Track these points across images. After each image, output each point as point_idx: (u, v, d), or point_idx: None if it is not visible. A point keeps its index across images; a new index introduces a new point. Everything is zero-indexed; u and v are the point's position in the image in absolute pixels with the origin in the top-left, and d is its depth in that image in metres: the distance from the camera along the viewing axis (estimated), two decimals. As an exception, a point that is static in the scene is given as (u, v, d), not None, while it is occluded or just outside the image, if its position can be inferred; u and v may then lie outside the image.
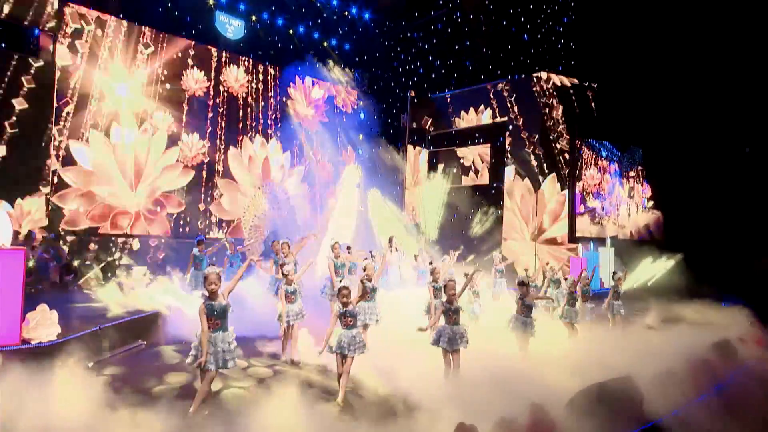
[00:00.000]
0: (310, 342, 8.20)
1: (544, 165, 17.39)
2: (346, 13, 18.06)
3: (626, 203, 19.76)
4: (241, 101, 16.42)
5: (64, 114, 13.01)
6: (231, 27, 16.03)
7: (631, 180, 20.58)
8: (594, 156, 19.03)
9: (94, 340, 7.73)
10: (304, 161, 17.52)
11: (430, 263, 9.80)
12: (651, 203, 20.52)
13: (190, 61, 15.34)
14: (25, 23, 12.18)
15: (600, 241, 17.94)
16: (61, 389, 5.72)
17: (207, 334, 5.63)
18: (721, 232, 17.29)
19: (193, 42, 15.28)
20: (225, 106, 16.26)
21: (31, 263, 9.99)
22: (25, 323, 6.87)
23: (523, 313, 8.18)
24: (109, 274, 11.09)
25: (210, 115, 15.73)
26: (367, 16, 18.50)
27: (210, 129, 15.83)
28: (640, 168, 20.45)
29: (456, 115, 19.93)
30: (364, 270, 8.23)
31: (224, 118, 16.18)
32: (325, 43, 18.27)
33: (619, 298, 10.82)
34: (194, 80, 15.50)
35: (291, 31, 17.33)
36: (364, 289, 7.90)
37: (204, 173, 15.73)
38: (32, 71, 12.33)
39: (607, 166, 19.46)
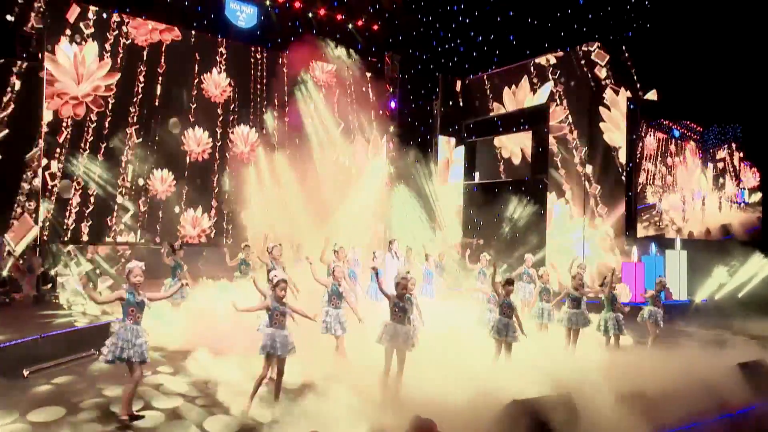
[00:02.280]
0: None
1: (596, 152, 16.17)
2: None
3: (703, 194, 17.97)
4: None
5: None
6: (243, 15, 16.34)
7: (721, 164, 18.72)
8: (667, 139, 17.50)
9: (39, 348, 8.12)
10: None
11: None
12: (753, 196, 18.42)
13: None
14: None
15: (664, 241, 16.38)
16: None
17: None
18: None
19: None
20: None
21: (4, 273, 10.72)
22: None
23: (505, 314, 8.13)
24: (91, 284, 11.67)
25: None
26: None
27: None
28: (734, 152, 18.49)
29: (495, 99, 19.07)
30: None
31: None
32: (350, 25, 18.03)
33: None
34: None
35: (310, 14, 17.24)
36: None
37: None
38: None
39: (681, 149, 17.83)
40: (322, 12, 17.68)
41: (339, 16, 18.04)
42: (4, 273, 11.03)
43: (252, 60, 17.18)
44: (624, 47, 16.66)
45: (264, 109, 17.19)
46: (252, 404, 6.50)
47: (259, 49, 17.16)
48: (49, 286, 11.71)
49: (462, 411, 5.94)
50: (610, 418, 6.24)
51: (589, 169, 16.55)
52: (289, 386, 7.13)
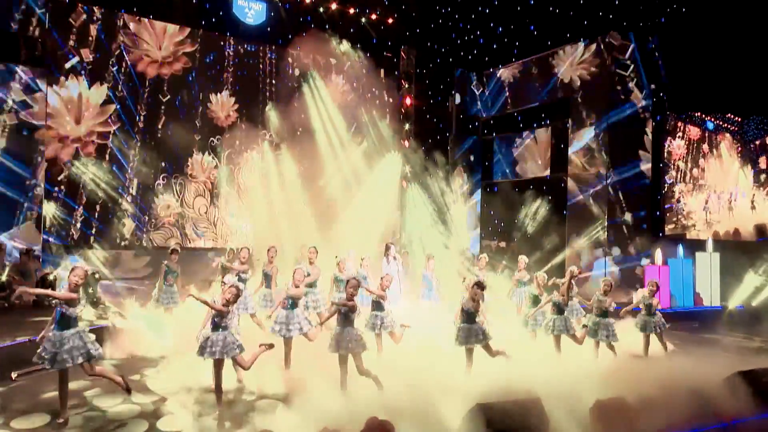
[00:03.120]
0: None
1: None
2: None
3: (740, 191, 17.31)
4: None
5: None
6: (251, 12, 16.54)
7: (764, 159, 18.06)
8: (700, 132, 16.94)
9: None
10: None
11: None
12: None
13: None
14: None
15: (693, 243, 15.84)
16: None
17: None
18: None
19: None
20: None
21: (3, 277, 11.16)
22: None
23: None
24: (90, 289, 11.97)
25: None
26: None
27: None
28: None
29: (513, 93, 18.80)
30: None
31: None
32: (364, 19, 18.03)
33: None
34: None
35: (321, 9, 17.32)
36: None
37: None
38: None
39: (716, 144, 17.22)
40: (333, 6, 17.73)
41: (351, 10, 18.04)
42: (3, 277, 11.46)
43: (259, 57, 17.37)
44: (650, 36, 16.14)
45: (268, 107, 17.42)
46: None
47: (266, 47, 17.34)
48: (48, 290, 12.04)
49: (424, 414, 5.99)
50: (581, 423, 6.21)
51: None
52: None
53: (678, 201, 17.13)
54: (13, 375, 8.16)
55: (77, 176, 14.57)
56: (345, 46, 17.93)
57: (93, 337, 6.67)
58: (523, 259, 12.33)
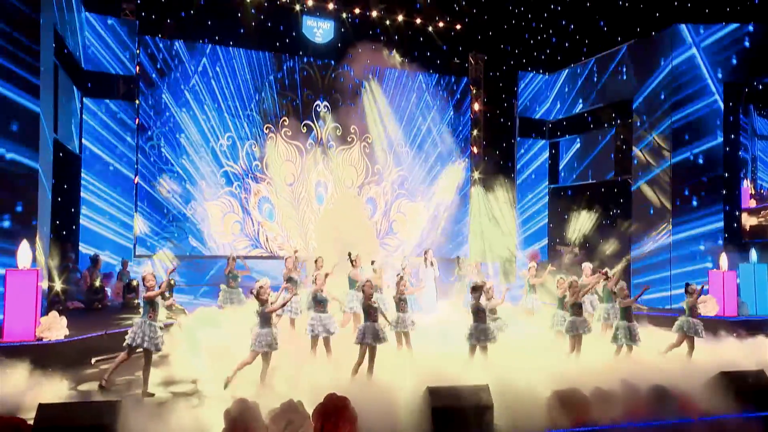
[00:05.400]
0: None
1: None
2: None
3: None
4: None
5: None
6: (319, 30, 18.70)
7: None
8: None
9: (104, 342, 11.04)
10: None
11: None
12: None
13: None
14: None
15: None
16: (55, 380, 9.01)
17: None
18: None
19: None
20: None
21: (97, 283, 14.14)
22: (38, 325, 10.41)
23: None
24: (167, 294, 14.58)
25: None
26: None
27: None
28: None
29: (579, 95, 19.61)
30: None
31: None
32: (431, 28, 19.65)
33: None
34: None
35: (388, 22, 19.17)
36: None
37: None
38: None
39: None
40: (399, 18, 19.51)
41: (418, 20, 19.73)
42: (97, 283, 14.51)
43: (324, 72, 19.69)
44: (724, 23, 16.27)
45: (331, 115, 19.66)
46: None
47: (334, 61, 19.61)
48: (132, 294, 14.99)
49: (382, 395, 7.47)
50: (528, 410, 7.37)
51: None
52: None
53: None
54: (93, 360, 10.81)
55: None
56: (410, 55, 19.72)
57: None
58: (587, 266, 13.24)
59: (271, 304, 8.83)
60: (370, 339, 8.96)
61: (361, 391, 7.47)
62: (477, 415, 7.23)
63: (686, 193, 16.42)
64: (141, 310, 9.15)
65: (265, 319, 8.67)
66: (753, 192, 20.71)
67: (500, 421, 7.30)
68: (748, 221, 17.35)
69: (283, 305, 9.32)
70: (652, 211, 17.07)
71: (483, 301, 9.74)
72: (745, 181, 21.02)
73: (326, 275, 10.65)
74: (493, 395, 7.39)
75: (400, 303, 10.52)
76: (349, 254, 12.24)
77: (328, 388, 7.10)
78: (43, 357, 9.84)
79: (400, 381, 7.91)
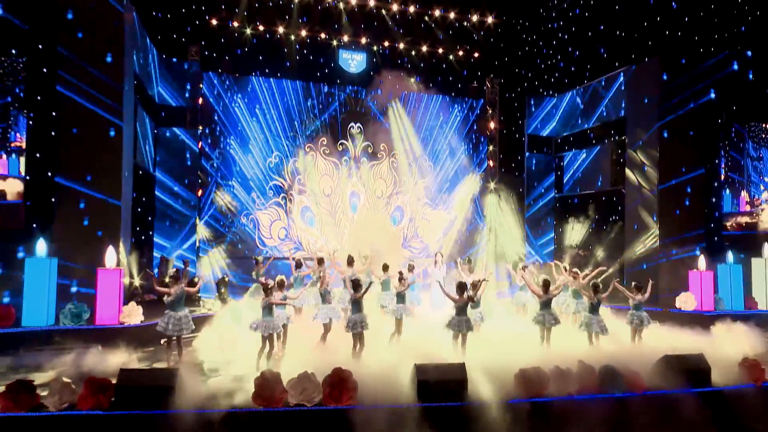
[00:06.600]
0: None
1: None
2: (466, 22, 21.02)
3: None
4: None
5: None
6: (353, 62, 20.77)
7: None
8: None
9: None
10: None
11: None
12: None
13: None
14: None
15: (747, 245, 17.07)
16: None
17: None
18: None
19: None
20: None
21: (166, 280, 16.45)
22: (121, 312, 12.82)
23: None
24: (222, 289, 16.77)
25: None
26: (489, 20, 21.13)
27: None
28: None
29: (583, 115, 21.22)
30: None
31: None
32: (451, 56, 21.50)
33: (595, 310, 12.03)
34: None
35: (413, 52, 21.11)
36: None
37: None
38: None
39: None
40: (424, 48, 21.45)
41: (440, 50, 21.65)
42: (166, 280, 16.86)
43: (357, 96, 21.89)
44: (712, 48, 17.56)
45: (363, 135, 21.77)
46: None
47: (367, 89, 21.76)
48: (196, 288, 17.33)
49: (378, 370, 9.09)
50: (497, 384, 8.65)
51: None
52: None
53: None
54: (162, 341, 13.13)
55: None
56: (431, 80, 21.91)
57: None
58: (558, 264, 14.85)
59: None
60: (358, 328, 10.86)
61: (361, 366, 9.25)
62: (454, 387, 8.62)
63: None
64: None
65: (269, 310, 10.73)
66: (748, 200, 21.96)
67: (473, 392, 8.62)
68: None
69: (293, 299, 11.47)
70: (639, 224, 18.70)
71: (466, 295, 11.20)
72: (742, 191, 22.29)
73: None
74: (468, 372, 8.79)
75: (398, 296, 12.38)
76: (365, 256, 14.15)
77: (335, 363, 8.64)
78: (125, 336, 12.43)
79: (394, 359, 9.70)
